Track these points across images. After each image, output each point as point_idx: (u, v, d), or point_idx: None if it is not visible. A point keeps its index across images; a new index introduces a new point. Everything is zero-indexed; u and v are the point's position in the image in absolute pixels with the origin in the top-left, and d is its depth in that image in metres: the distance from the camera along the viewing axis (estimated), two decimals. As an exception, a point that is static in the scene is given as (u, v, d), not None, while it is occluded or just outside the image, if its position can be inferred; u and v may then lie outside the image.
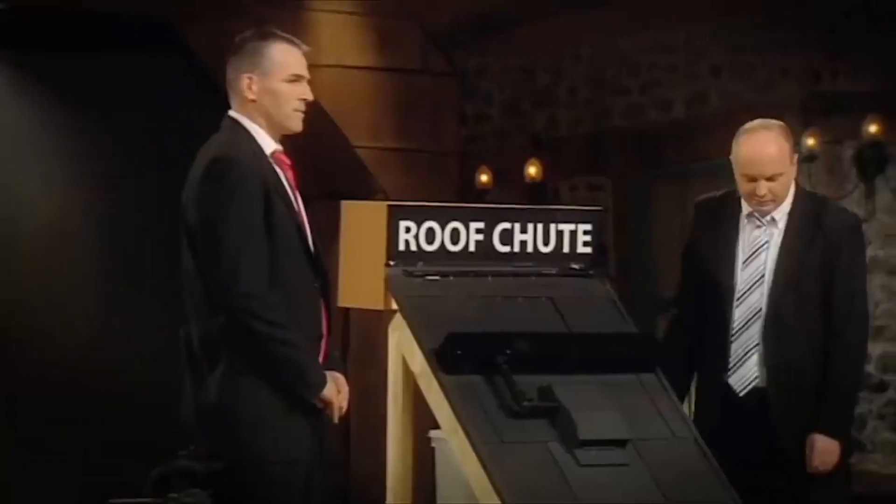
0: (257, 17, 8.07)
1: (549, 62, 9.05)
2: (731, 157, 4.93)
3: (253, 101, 4.27)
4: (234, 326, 4.17)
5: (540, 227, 4.69)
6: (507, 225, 4.66)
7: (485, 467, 4.22)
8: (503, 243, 4.66)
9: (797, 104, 8.08)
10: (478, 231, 4.64)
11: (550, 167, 8.74)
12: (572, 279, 4.71)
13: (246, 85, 4.25)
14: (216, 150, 4.25)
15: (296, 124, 4.33)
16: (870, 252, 7.65)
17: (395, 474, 4.60)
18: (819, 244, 4.83)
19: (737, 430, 4.81)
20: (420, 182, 8.73)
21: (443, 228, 4.60)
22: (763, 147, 4.84)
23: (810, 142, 7.75)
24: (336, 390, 4.31)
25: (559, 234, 4.72)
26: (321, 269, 4.37)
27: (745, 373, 4.85)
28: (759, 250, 4.87)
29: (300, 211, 4.33)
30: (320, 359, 4.33)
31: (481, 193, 8.71)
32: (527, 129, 9.09)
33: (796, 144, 7.80)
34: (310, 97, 4.33)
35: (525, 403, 4.32)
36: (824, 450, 4.78)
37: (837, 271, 4.83)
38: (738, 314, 4.86)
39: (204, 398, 4.24)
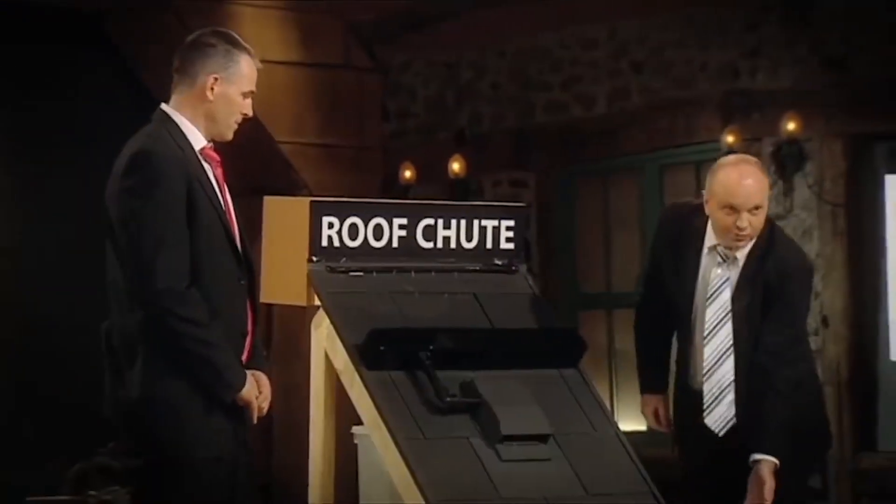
0: (179, 10, 8.03)
1: (472, 58, 9.05)
2: (706, 190, 4.80)
3: (208, 100, 4.26)
4: (152, 322, 4.14)
5: (463, 223, 4.69)
6: (430, 221, 4.66)
7: (407, 463, 4.21)
8: (426, 239, 4.66)
9: (716, 101, 8.15)
10: (401, 227, 4.63)
11: (474, 163, 8.75)
12: (495, 275, 4.71)
13: (210, 84, 4.24)
14: (139, 144, 4.22)
15: (230, 135, 4.35)
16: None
17: (317, 470, 4.59)
18: (760, 284, 4.77)
19: (721, 469, 4.76)
20: (343, 178, 8.71)
21: (366, 224, 4.59)
22: (746, 178, 4.73)
23: (729, 139, 7.81)
24: (256, 391, 4.28)
25: (482, 230, 4.72)
26: (248, 266, 4.34)
27: (722, 412, 4.79)
28: (722, 286, 4.79)
29: (227, 207, 4.30)
30: (245, 356, 4.30)
31: (405, 189, 8.70)
32: (450, 125, 9.10)
33: (716, 142, 7.93)
34: (250, 114, 4.36)
35: (447, 399, 4.33)
36: (764, 469, 4.70)
37: (771, 314, 4.75)
38: (709, 352, 4.80)
39: (124, 394, 4.20)
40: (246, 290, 4.31)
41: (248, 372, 4.28)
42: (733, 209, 4.71)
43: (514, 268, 4.74)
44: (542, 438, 4.34)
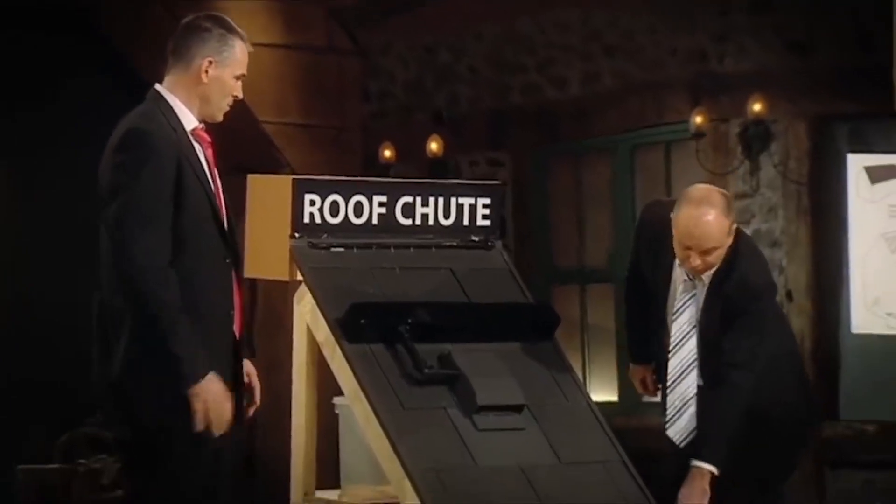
0: (168, 0, 7.98)
1: (450, 42, 9.02)
2: (672, 218, 4.70)
3: (202, 83, 4.22)
4: (127, 298, 4.10)
5: (441, 200, 4.67)
6: (409, 198, 4.64)
7: (386, 432, 4.20)
8: (405, 216, 4.64)
9: (686, 83, 8.13)
10: (380, 204, 4.61)
11: (451, 143, 8.73)
12: (472, 251, 4.69)
13: (204, 67, 4.22)
14: (132, 122, 4.20)
15: (220, 116, 4.32)
16: (753, 225, 7.73)
17: (299, 439, 4.57)
18: (719, 302, 4.71)
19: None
20: (325, 157, 8.68)
21: (347, 201, 4.57)
22: (702, 224, 4.61)
23: (698, 119, 7.79)
24: (209, 398, 4.07)
25: (459, 207, 4.70)
26: (234, 246, 4.30)
27: (683, 424, 4.73)
28: (688, 302, 4.75)
29: (215, 188, 4.26)
30: (237, 331, 4.25)
31: (384, 168, 8.67)
32: (429, 106, 9.07)
33: (685, 122, 7.91)
34: (241, 96, 4.34)
35: (426, 371, 4.31)
36: (698, 475, 4.65)
37: (726, 337, 4.68)
38: (674, 365, 4.76)
39: (111, 367, 4.16)
40: (232, 268, 4.26)
41: (215, 376, 4.11)
42: (688, 248, 4.65)
43: (490, 244, 4.72)
44: (517, 408, 4.33)
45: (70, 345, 6.06)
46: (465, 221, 4.70)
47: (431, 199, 4.66)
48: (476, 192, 4.74)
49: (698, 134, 7.80)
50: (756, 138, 7.76)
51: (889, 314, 4.73)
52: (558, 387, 4.47)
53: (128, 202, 4.10)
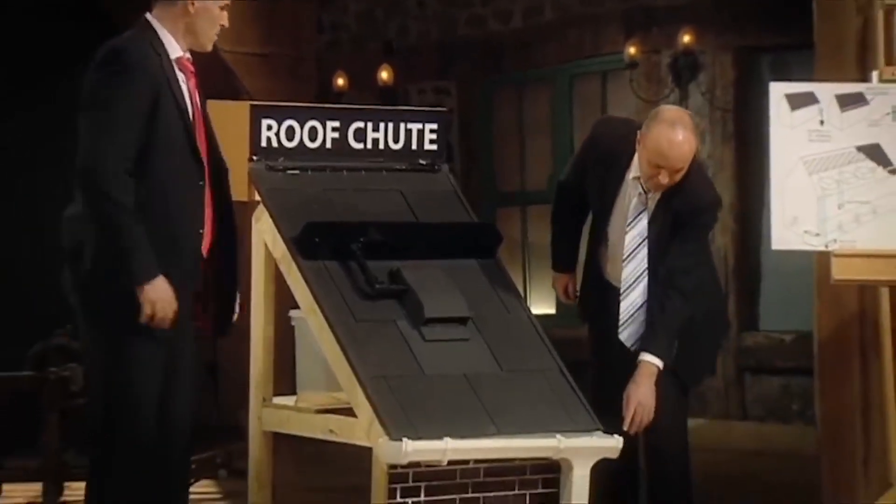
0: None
1: (400, -25, 8.96)
2: (640, 137, 4.64)
3: (190, 14, 4.19)
4: (85, 199, 4.07)
5: (391, 126, 4.65)
6: (360, 124, 4.62)
7: (340, 343, 4.21)
8: (357, 141, 4.62)
9: (620, 16, 8.11)
10: (334, 129, 4.59)
11: (401, 72, 8.68)
12: (420, 174, 4.69)
13: (191, 1, 4.19)
14: (115, 42, 4.17)
15: (210, 45, 4.29)
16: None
17: (258, 350, 4.57)
18: (671, 215, 4.70)
19: (625, 370, 4.69)
20: (282, 85, 8.60)
21: (302, 126, 4.55)
22: (677, 145, 4.57)
23: (631, 51, 7.78)
24: (156, 297, 4.04)
25: (408, 132, 4.68)
26: (211, 169, 4.23)
27: (635, 329, 4.72)
28: (639, 216, 4.72)
29: (196, 114, 4.21)
30: (205, 249, 4.22)
31: (338, 96, 8.62)
32: (380, 37, 9.01)
33: (619, 53, 7.90)
34: (227, 24, 4.30)
35: (377, 286, 4.31)
36: (647, 371, 4.65)
37: (673, 245, 4.68)
38: (627, 273, 4.73)
39: (79, 270, 4.14)
40: (204, 190, 4.22)
41: (164, 280, 4.07)
42: (659, 167, 4.61)
43: (436, 167, 4.72)
44: (462, 321, 4.35)
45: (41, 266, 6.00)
46: (414, 146, 4.69)
47: (382, 125, 4.64)
48: (424, 118, 4.72)
49: (632, 64, 7.80)
50: (685, 68, 7.77)
51: (806, 232, 4.75)
52: (501, 301, 4.48)
53: (95, 111, 4.07)
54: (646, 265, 4.73)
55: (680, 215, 4.70)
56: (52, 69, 7.81)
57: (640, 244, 4.75)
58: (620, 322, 4.75)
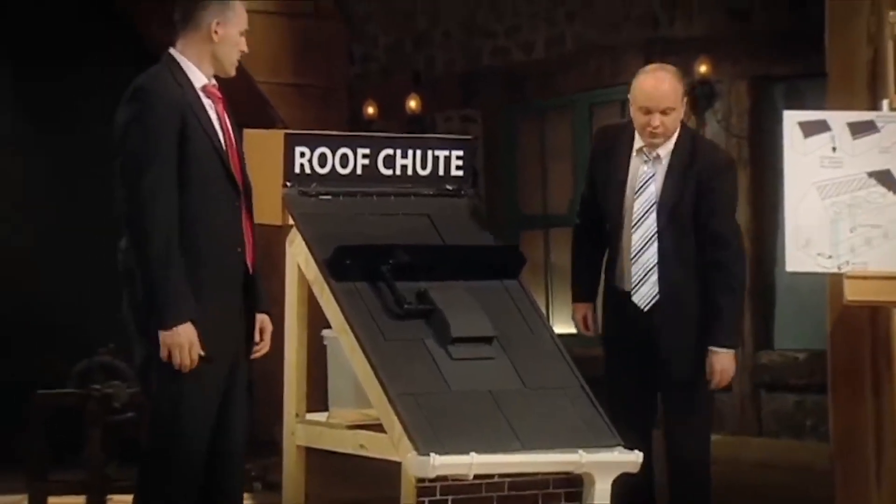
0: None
1: (427, 9, 8.99)
2: (630, 95, 4.80)
3: (213, 42, 4.22)
4: (130, 233, 4.07)
5: (419, 153, 4.67)
6: (389, 151, 4.64)
7: (370, 361, 4.21)
8: (386, 167, 4.64)
9: (639, 46, 8.12)
10: (364, 156, 4.61)
11: (428, 101, 8.71)
12: (446, 199, 4.70)
13: (213, 28, 4.22)
14: (139, 80, 4.20)
15: (233, 70, 4.31)
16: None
17: (291, 368, 4.58)
18: (692, 181, 4.75)
19: (635, 337, 4.76)
20: (314, 114, 8.65)
21: (334, 154, 4.57)
22: (659, 84, 4.74)
23: (650, 80, 7.77)
24: (176, 342, 4.02)
25: (435, 159, 4.70)
26: (246, 192, 4.23)
27: (647, 290, 4.76)
28: (647, 182, 4.77)
29: (228, 139, 4.21)
30: (249, 264, 4.19)
31: (368, 124, 8.66)
32: (408, 67, 9.04)
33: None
34: (247, 49, 4.33)
35: (405, 306, 4.32)
36: (722, 361, 4.74)
37: (711, 210, 4.73)
38: (636, 238, 4.77)
39: (134, 297, 4.14)
40: (241, 211, 4.22)
41: (190, 327, 4.04)
42: (648, 110, 4.72)
43: (463, 192, 4.73)
44: (487, 340, 4.35)
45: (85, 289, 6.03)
46: (441, 172, 4.70)
47: (410, 152, 4.66)
48: (450, 145, 4.74)
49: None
50: (702, 97, 7.77)
51: (819, 254, 4.74)
52: (524, 320, 4.48)
53: (130, 150, 4.09)
54: (655, 229, 4.76)
55: (702, 181, 4.75)
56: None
57: (648, 209, 4.79)
58: (632, 284, 4.77)
